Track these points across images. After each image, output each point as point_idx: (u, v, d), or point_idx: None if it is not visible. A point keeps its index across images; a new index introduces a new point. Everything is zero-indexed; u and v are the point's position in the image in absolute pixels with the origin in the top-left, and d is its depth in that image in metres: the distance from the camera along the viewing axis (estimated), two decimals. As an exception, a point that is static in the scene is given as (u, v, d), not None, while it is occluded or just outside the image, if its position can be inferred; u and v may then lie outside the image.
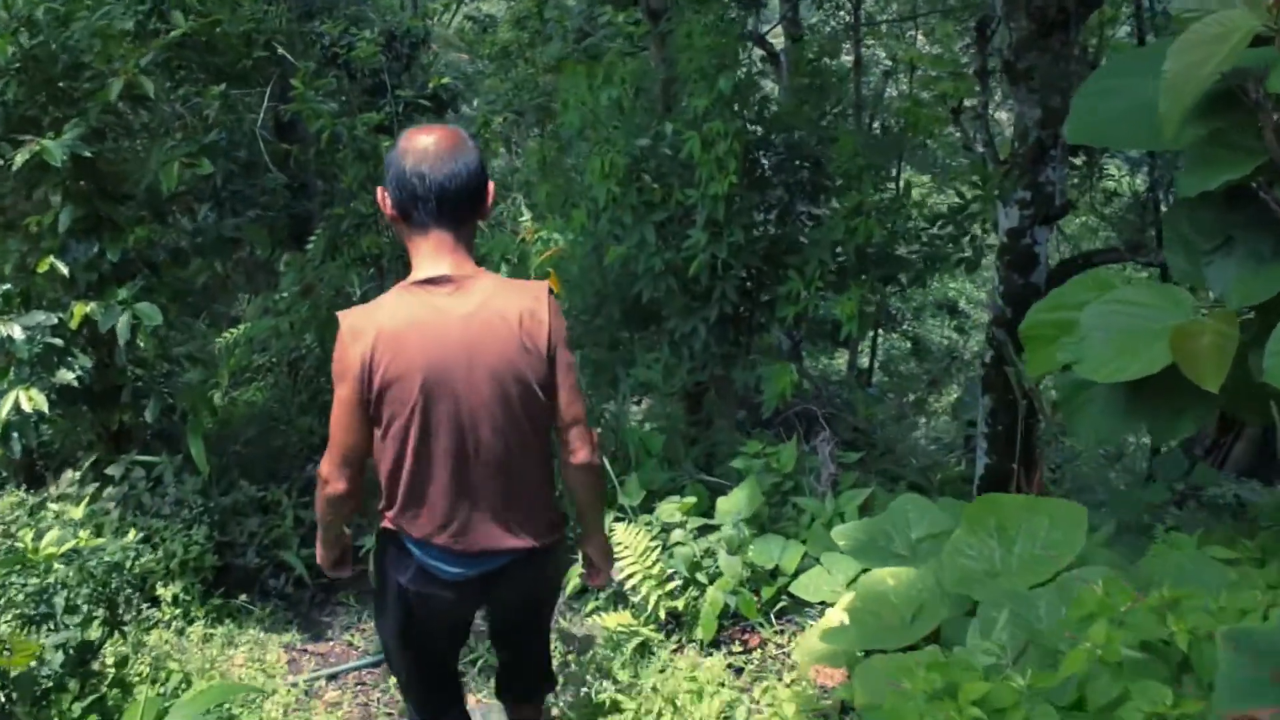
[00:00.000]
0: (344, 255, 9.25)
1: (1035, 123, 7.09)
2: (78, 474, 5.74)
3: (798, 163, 6.28)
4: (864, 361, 15.10)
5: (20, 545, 3.50)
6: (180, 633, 5.24)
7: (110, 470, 5.77)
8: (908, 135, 6.84)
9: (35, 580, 3.54)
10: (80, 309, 5.52)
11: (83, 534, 3.77)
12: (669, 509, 4.78)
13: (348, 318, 2.70)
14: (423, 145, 2.65)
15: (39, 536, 3.77)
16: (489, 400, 2.68)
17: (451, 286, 2.66)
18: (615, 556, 4.40)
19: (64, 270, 5.59)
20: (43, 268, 5.56)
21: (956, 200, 6.26)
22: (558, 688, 3.87)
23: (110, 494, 5.65)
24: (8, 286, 5.58)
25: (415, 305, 2.65)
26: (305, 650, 5.22)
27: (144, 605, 5.22)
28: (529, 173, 7.58)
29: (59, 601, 3.53)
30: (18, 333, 5.33)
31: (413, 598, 2.90)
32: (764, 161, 6.24)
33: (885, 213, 5.79)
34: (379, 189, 2.75)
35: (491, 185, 2.79)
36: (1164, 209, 11.74)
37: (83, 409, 6.04)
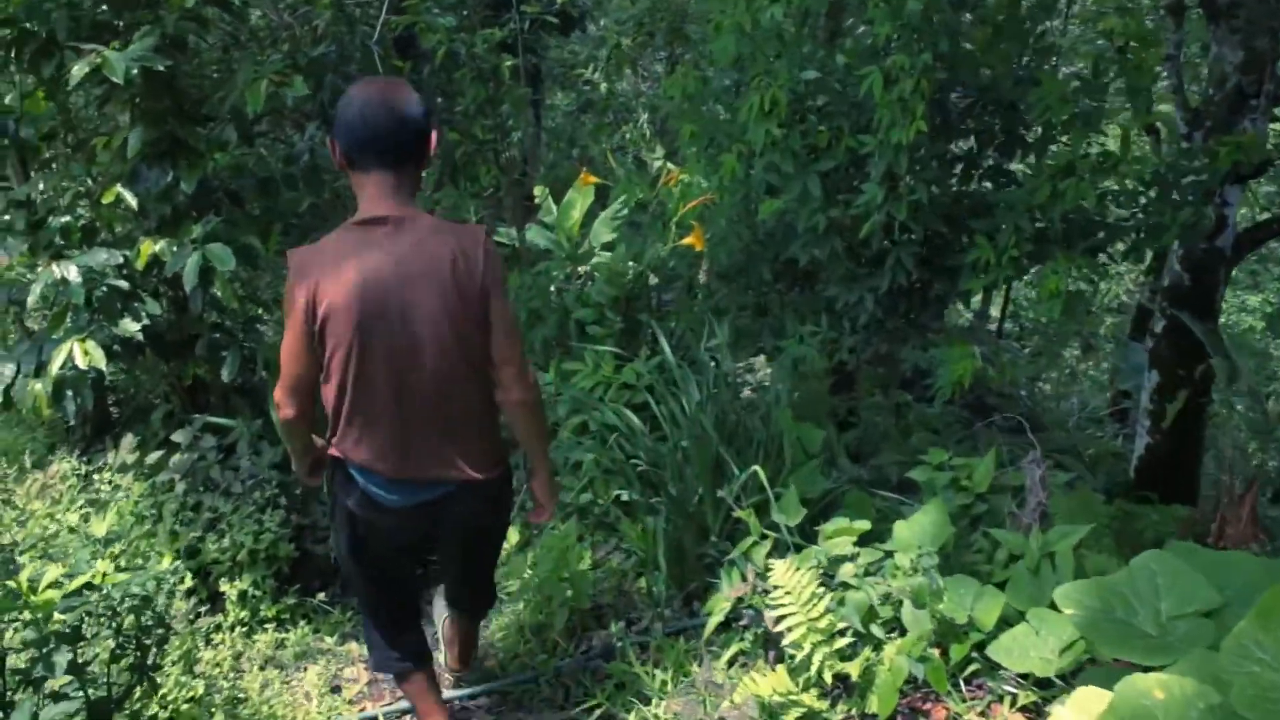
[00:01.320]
0: (461, 185, 8.38)
1: (1235, 67, 5.88)
2: (140, 438, 4.85)
3: (989, 108, 5.11)
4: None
5: (13, 585, 2.58)
6: (248, 633, 4.37)
7: (176, 436, 4.87)
8: (1125, 79, 5.55)
9: (33, 630, 2.63)
10: (148, 246, 4.61)
11: (102, 564, 2.83)
12: (839, 541, 3.73)
13: (294, 256, 2.81)
14: (367, 94, 2.76)
15: (51, 558, 2.88)
16: (422, 336, 2.75)
17: (389, 227, 2.74)
18: (771, 602, 3.50)
19: (132, 201, 4.67)
20: (108, 198, 4.66)
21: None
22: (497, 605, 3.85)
23: (176, 463, 4.75)
24: (66, 219, 4.66)
25: (354, 243, 2.75)
26: (389, 667, 4.30)
27: (202, 608, 4.35)
28: (667, 104, 6.50)
29: (60, 660, 2.61)
30: (73, 275, 4.43)
31: (359, 520, 3.04)
32: (951, 105, 5.07)
33: (1099, 171, 4.63)
34: (329, 139, 2.84)
35: (434, 134, 2.87)
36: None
37: (155, 359, 5.14)
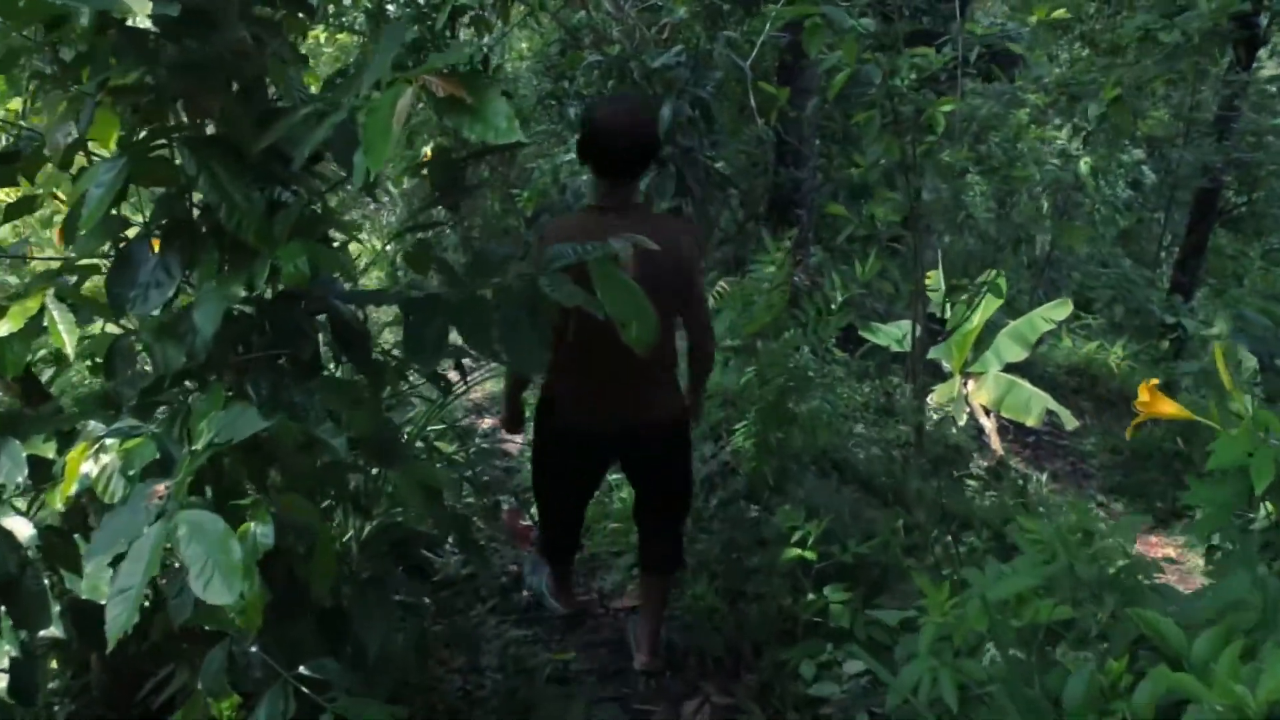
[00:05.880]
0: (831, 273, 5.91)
1: None
2: None
3: None
4: None
5: None
6: None
7: None
8: None
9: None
10: (76, 461, 1.67)
11: None
12: None
13: (547, 227, 3.28)
14: (614, 121, 3.06)
15: None
16: None
17: (618, 214, 3.08)
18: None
19: (66, 337, 1.77)
20: (14, 320, 1.76)
21: None
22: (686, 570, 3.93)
23: None
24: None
25: (593, 223, 3.08)
26: None
27: None
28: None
29: None
30: None
31: (556, 446, 3.40)
32: None
33: None
34: (579, 139, 3.20)
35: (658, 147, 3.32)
36: None
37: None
